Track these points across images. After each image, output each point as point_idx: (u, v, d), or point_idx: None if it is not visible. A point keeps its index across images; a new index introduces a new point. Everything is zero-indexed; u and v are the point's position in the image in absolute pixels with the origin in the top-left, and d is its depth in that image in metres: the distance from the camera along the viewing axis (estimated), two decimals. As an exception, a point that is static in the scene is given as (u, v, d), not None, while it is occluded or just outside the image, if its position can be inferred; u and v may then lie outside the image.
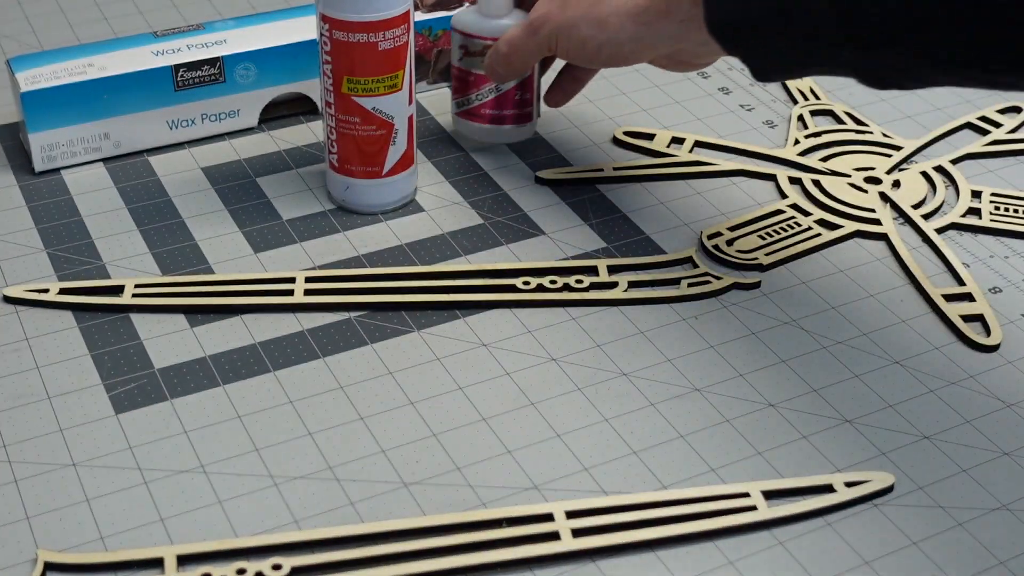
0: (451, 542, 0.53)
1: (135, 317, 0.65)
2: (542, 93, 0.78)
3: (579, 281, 0.67)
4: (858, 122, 0.82)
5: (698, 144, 0.79)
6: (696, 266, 0.69)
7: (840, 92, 0.86)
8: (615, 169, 0.76)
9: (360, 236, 0.71)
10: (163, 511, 0.54)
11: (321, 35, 0.68)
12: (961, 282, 0.68)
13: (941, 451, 0.58)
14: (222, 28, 0.78)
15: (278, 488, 0.55)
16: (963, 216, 0.73)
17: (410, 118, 0.71)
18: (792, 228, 0.72)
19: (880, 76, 0.59)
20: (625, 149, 0.79)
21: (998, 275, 0.69)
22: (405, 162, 0.72)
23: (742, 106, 0.84)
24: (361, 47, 0.67)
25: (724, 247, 0.70)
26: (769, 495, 0.55)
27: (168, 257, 0.69)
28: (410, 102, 0.70)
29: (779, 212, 0.73)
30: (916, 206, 0.75)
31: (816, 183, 0.76)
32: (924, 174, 0.77)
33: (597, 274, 0.68)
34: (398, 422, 0.59)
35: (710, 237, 0.71)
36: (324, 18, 0.67)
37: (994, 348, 0.64)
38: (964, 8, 0.53)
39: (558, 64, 0.77)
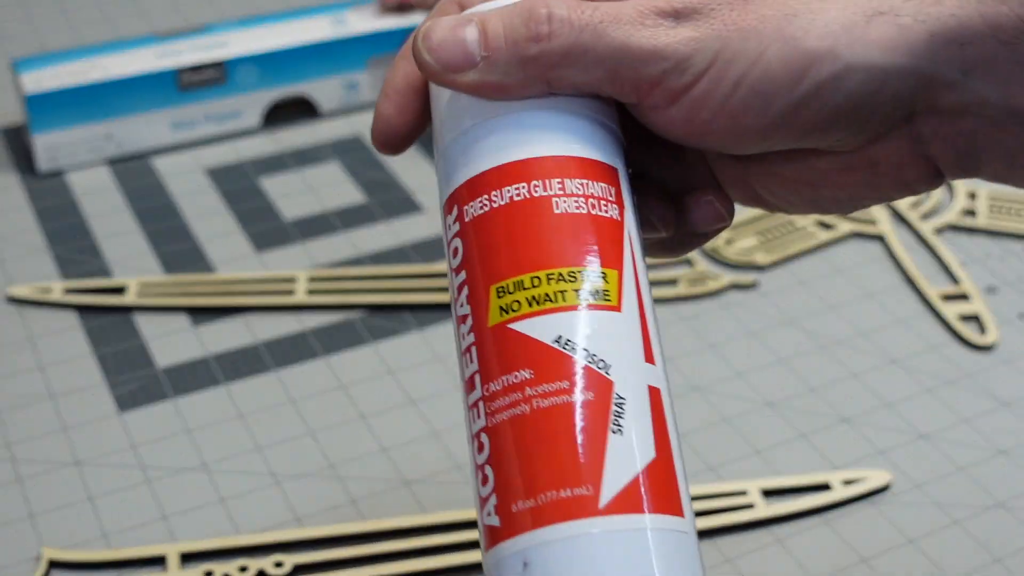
0: (452, 540, 0.53)
1: (138, 316, 0.65)
2: None
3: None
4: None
5: (697, 145, 0.80)
6: (695, 266, 0.69)
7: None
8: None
9: (362, 236, 0.71)
10: (166, 509, 0.54)
11: (447, 225, 0.38)
12: (957, 282, 0.69)
13: (938, 450, 0.58)
14: (225, 30, 0.79)
15: (280, 486, 0.56)
16: (960, 216, 0.74)
17: (654, 391, 0.34)
18: (789, 228, 0.72)
19: None
20: (625, 150, 0.80)
21: (994, 275, 0.70)
22: (658, 489, 0.33)
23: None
24: (520, 211, 0.36)
25: (722, 247, 0.70)
26: (767, 493, 0.56)
27: (171, 257, 0.69)
28: (648, 352, 0.35)
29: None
30: (913, 206, 0.75)
31: (814, 184, 0.76)
32: (922, 175, 0.78)
33: (597, 274, 0.68)
34: (399, 421, 0.59)
35: (709, 237, 0.71)
36: (456, 193, 0.37)
37: (990, 348, 0.64)
38: None
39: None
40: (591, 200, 0.36)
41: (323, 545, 0.53)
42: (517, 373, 0.34)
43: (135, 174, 0.76)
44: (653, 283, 0.68)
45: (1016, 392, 0.62)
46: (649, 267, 0.69)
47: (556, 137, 0.37)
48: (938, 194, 0.76)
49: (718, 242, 0.70)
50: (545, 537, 0.32)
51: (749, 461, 0.58)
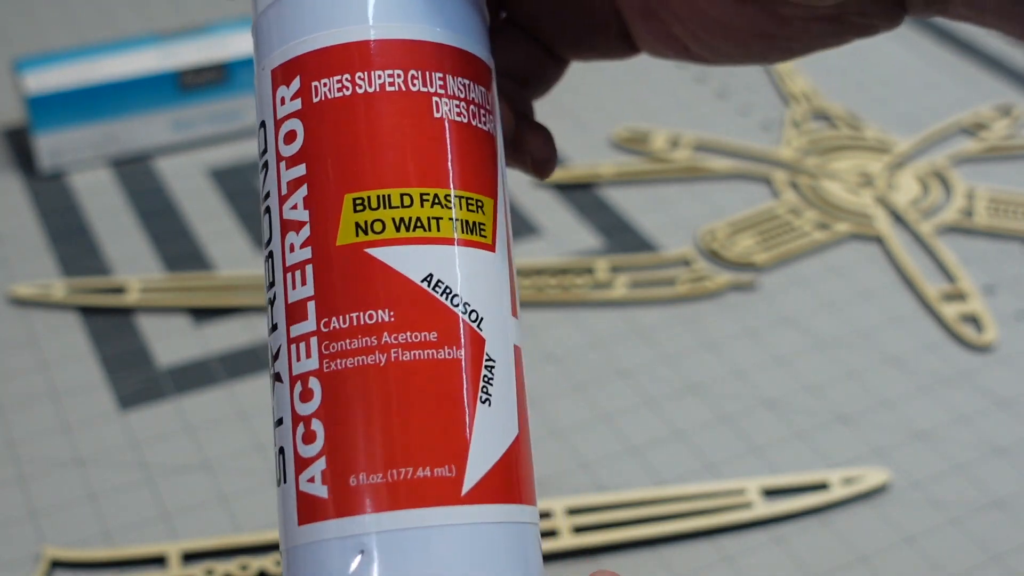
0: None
1: (140, 316, 0.65)
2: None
3: (579, 281, 0.68)
4: (853, 123, 0.83)
5: (696, 145, 0.80)
6: (694, 266, 0.70)
7: (835, 94, 0.86)
8: (615, 169, 0.77)
9: (362, 236, 0.71)
10: (167, 508, 0.55)
11: (275, 97, 0.30)
12: (955, 282, 0.69)
13: (936, 448, 0.59)
14: (226, 30, 0.79)
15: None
16: (957, 216, 0.74)
17: (518, 352, 0.30)
18: (788, 229, 0.73)
19: None
20: (624, 149, 0.80)
21: (992, 275, 0.70)
22: (520, 473, 0.28)
23: (739, 108, 0.85)
24: (393, 105, 0.29)
25: (721, 247, 0.71)
26: (766, 492, 0.56)
27: (173, 257, 0.70)
28: (513, 302, 0.30)
29: (775, 213, 0.74)
30: (911, 206, 0.75)
31: (811, 184, 0.77)
32: (919, 174, 0.78)
33: (596, 274, 0.69)
34: (399, 420, 0.59)
35: (707, 237, 0.71)
36: (302, 60, 0.30)
37: (988, 347, 0.65)
38: None
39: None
40: (472, 107, 0.30)
41: (324, 543, 0.53)
42: (374, 312, 0.27)
43: (136, 174, 0.76)
44: (650, 283, 0.68)
45: (1014, 391, 0.62)
46: (645, 267, 0.69)
47: (438, 15, 0.30)
48: (936, 194, 0.76)
49: (717, 242, 0.71)
50: (395, 523, 0.26)
51: (747, 460, 0.58)
